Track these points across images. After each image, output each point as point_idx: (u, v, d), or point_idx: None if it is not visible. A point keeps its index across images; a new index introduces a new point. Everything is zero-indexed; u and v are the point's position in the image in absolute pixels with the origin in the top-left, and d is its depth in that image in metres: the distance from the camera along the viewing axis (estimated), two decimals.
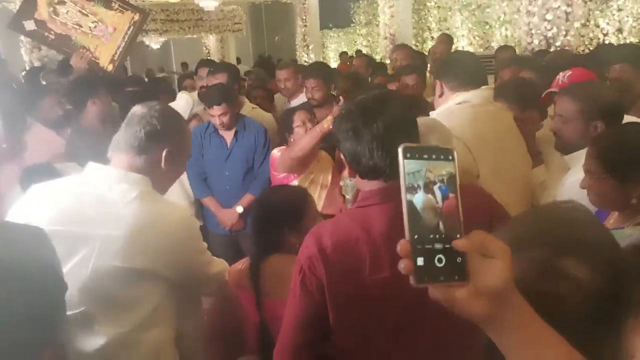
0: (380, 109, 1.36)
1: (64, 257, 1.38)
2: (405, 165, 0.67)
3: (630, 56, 3.23)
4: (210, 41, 14.41)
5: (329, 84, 3.76)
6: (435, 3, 11.25)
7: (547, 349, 0.66)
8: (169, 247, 1.58)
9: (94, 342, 1.54)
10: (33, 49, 4.40)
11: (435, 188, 0.67)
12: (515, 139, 2.26)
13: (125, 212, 1.52)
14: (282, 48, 16.87)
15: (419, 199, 0.66)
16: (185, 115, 3.49)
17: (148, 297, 1.61)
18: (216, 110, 3.23)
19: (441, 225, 0.66)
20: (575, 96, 2.03)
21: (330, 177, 2.94)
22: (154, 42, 14.37)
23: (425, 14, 11.56)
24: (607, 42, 7.61)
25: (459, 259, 0.65)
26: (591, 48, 7.63)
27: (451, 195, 0.67)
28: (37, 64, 4.37)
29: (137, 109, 1.68)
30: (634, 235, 1.50)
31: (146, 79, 8.15)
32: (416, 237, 0.65)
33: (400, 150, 0.67)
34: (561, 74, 2.61)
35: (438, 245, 0.65)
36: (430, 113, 2.28)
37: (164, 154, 1.62)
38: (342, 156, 1.44)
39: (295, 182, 2.86)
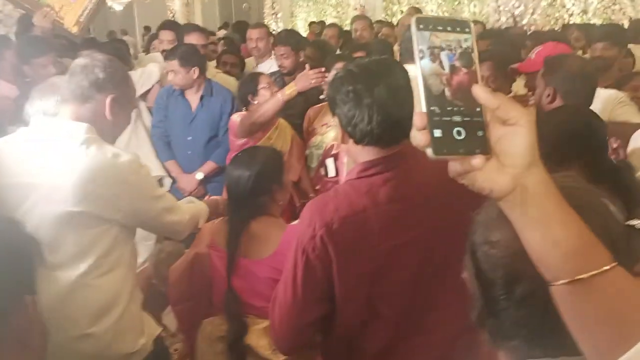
0: (383, 73, 1.31)
1: (14, 206, 1.50)
2: (419, 37, 0.63)
3: (611, 34, 3.30)
4: (176, 5, 13.96)
5: (298, 52, 3.71)
6: None
7: (564, 227, 0.62)
8: (118, 192, 1.60)
9: (48, 288, 1.55)
10: None
11: (452, 58, 0.63)
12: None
13: (73, 159, 1.56)
14: (250, 15, 16.49)
15: (434, 69, 0.63)
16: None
17: (99, 242, 1.64)
18: (169, 65, 3.17)
19: (460, 98, 0.62)
20: None
21: (288, 146, 2.93)
22: (117, 3, 13.82)
23: None
24: (572, 22, 7.73)
25: (479, 132, 0.62)
26: (556, 28, 7.74)
27: (470, 67, 0.64)
28: None
29: (80, 60, 1.69)
30: None
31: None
32: (432, 107, 0.62)
33: (413, 21, 0.63)
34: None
35: (457, 118, 0.62)
36: None
37: (108, 101, 1.65)
38: (336, 119, 1.38)
39: None
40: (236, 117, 2.89)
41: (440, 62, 0.63)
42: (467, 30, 0.65)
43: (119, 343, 1.75)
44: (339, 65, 3.44)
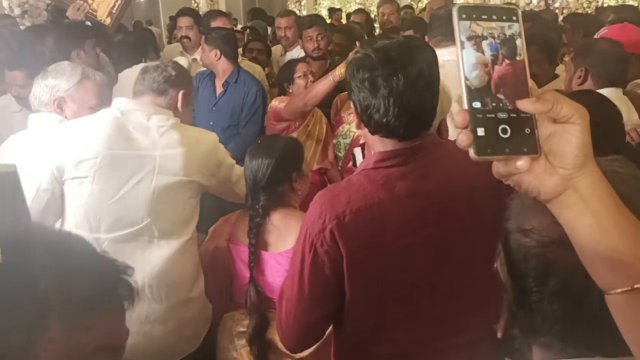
0: (404, 59, 1.19)
1: (124, 178, 1.72)
2: (460, 27, 0.58)
3: None
4: None
5: (328, 35, 3.66)
6: None
7: (619, 233, 0.57)
8: (214, 161, 1.90)
9: (157, 255, 1.77)
10: None
11: (495, 48, 0.58)
12: None
13: (170, 135, 1.79)
14: (273, 3, 16.42)
15: (476, 59, 0.58)
16: None
17: (195, 211, 1.90)
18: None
19: (506, 91, 0.58)
20: None
21: (324, 134, 2.90)
22: None
23: None
24: (605, 5, 7.47)
25: (527, 129, 0.57)
26: (589, 11, 7.48)
27: (517, 57, 0.59)
28: (17, 10, 4.16)
29: (149, 64, 2.08)
30: None
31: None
32: (475, 104, 0.57)
33: (454, 11, 0.59)
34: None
35: (502, 115, 0.57)
36: None
37: (180, 95, 1.91)
38: (352, 105, 1.30)
39: (294, 134, 2.82)
40: (277, 103, 2.86)
41: (483, 53, 0.58)
42: (513, 18, 0.60)
43: (206, 307, 1.97)
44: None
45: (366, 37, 4.96)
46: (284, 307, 1.32)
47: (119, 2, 3.77)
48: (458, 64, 0.58)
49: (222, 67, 3.20)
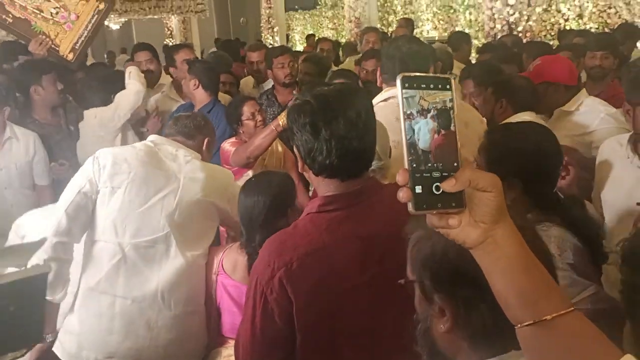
0: (342, 104, 1.24)
1: (152, 192, 1.96)
2: (403, 94, 0.66)
3: (609, 44, 3.31)
4: (173, 22, 14.05)
5: (296, 64, 3.70)
6: None
7: (527, 274, 0.68)
8: (230, 188, 2.09)
9: (172, 262, 1.96)
10: None
11: (430, 116, 0.66)
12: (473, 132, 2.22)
13: (194, 164, 2.06)
14: (247, 30, 16.58)
15: (415, 126, 0.66)
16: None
17: (211, 230, 2.10)
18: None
19: (439, 156, 0.66)
20: None
21: (281, 164, 2.90)
22: (113, 22, 13.89)
23: None
24: (567, 27, 7.71)
25: None
26: (552, 33, 7.72)
27: (451, 128, 0.67)
28: None
29: (180, 113, 2.56)
30: None
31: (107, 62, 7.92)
32: (414, 165, 0.66)
33: (398, 80, 0.66)
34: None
35: (435, 174, 0.66)
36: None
37: (205, 142, 2.21)
38: (295, 149, 1.33)
39: (249, 173, 2.80)
40: (228, 146, 2.83)
41: (422, 122, 0.66)
42: (448, 87, 0.67)
43: (205, 329, 2.06)
44: (339, 80, 3.46)
45: (333, 66, 5.06)
46: (240, 352, 1.34)
47: (82, 37, 3.78)
48: (401, 127, 0.66)
49: (199, 97, 3.21)
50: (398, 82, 0.66)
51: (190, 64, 3.31)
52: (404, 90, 0.66)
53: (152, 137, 2.15)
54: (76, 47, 3.80)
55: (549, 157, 1.51)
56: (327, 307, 1.26)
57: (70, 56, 3.77)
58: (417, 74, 0.67)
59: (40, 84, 3.08)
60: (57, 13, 3.74)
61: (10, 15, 3.67)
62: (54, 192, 3.05)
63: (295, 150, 1.33)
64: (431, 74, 0.69)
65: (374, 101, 2.09)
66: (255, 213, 1.87)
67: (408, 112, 0.66)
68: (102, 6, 3.85)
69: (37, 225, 2.08)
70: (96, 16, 3.84)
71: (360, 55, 4.38)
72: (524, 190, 1.44)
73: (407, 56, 2.10)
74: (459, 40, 5.15)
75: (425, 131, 0.66)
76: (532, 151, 1.48)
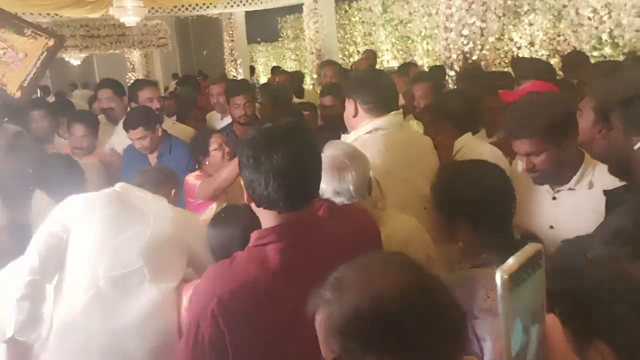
0: (284, 140, 1.32)
1: (125, 227, 2.02)
2: (510, 298, 0.56)
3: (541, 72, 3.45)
4: (135, 56, 13.99)
5: (254, 100, 3.74)
6: (360, 18, 11.49)
7: None
8: (199, 230, 2.10)
9: (145, 294, 1.99)
10: None
11: (527, 321, 0.59)
12: (428, 167, 2.20)
13: (163, 204, 2.15)
14: (210, 62, 16.66)
15: (517, 332, 0.58)
16: None
17: (183, 268, 2.14)
18: (133, 134, 3.11)
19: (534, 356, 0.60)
20: None
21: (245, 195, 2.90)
22: (74, 58, 13.76)
23: (351, 29, 11.78)
24: (520, 54, 8.03)
25: None
26: (506, 61, 8.03)
27: (541, 326, 0.60)
28: None
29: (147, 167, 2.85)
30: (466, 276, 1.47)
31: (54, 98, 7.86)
32: None
33: (501, 280, 0.56)
34: None
35: None
36: (343, 136, 2.22)
37: (172, 192, 2.37)
38: (241, 180, 1.40)
39: (213, 206, 2.81)
40: (192, 179, 2.84)
41: (519, 325, 0.59)
42: (540, 262, 0.59)
43: None
44: (305, 114, 3.50)
45: (294, 98, 5.13)
46: None
47: (31, 74, 3.77)
48: (503, 333, 0.58)
49: (156, 140, 3.20)
50: (502, 282, 0.56)
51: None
52: (510, 294, 0.56)
53: (119, 185, 2.21)
54: (24, 85, 3.80)
55: (500, 196, 1.51)
56: (259, 340, 1.29)
57: (18, 94, 3.78)
58: (519, 263, 0.57)
59: None
60: (4, 53, 3.77)
61: None
62: (10, 233, 2.99)
63: (242, 181, 1.40)
64: (525, 254, 0.59)
65: (357, 133, 2.13)
66: (233, 246, 1.85)
67: (513, 313, 0.56)
68: (51, 43, 3.87)
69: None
70: (45, 53, 3.86)
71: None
72: (475, 230, 1.46)
73: (385, 86, 2.21)
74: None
75: (533, 338, 0.59)
76: (483, 191, 1.47)
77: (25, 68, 3.76)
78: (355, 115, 2.17)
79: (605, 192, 1.66)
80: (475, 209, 1.45)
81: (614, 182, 1.65)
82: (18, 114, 3.49)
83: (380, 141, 2.08)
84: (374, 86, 2.19)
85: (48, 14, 9.63)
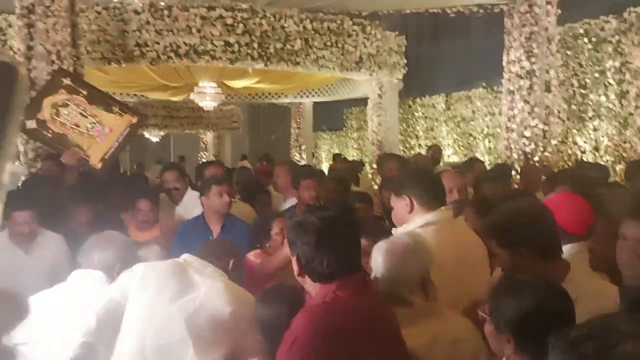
0: (340, 226, 1.63)
1: (175, 294, 2.10)
2: None
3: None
4: (208, 137, 14.91)
5: (319, 185, 3.89)
6: (423, 114, 11.83)
7: None
8: (252, 308, 2.12)
9: None
10: (29, 140, 4.59)
11: None
12: (478, 262, 2.25)
13: (218, 277, 2.21)
14: (277, 146, 17.42)
15: None
16: None
17: (229, 340, 2.14)
18: None
19: None
20: None
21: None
22: (153, 135, 14.83)
23: (413, 123, 12.12)
24: (584, 159, 7.93)
25: None
26: (570, 164, 7.94)
27: None
28: (30, 154, 4.55)
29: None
30: None
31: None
32: None
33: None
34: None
35: None
36: (394, 230, 2.27)
37: (231, 262, 2.40)
38: (295, 258, 1.63)
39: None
40: (252, 258, 2.96)
41: None
42: None
43: None
44: (360, 205, 3.61)
45: (352, 186, 5.29)
46: None
47: (113, 148, 4.15)
48: None
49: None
50: None
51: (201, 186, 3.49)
52: None
53: (184, 255, 2.33)
54: (106, 157, 4.16)
55: (557, 324, 1.34)
56: None
57: (99, 165, 4.13)
58: None
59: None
60: (92, 127, 4.15)
61: (50, 130, 4.11)
62: None
63: (295, 258, 1.63)
64: None
65: (409, 227, 2.18)
66: (279, 322, 1.88)
67: None
68: (134, 120, 4.26)
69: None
70: (128, 129, 4.23)
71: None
72: (519, 353, 1.40)
73: (437, 182, 2.36)
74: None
75: None
76: (539, 315, 1.39)
77: (108, 142, 4.14)
78: (411, 211, 2.22)
79: None
80: (525, 335, 1.38)
81: None
82: (97, 187, 3.81)
83: (433, 236, 2.12)
84: (428, 182, 2.29)
85: (135, 95, 10.57)
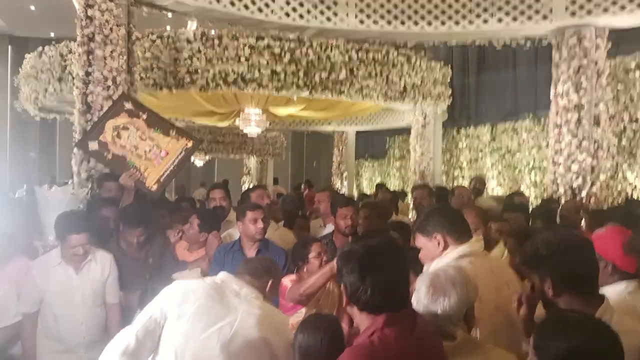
0: (385, 254, 1.66)
1: (211, 322, 2.11)
2: None
3: None
4: (251, 162, 15.18)
5: (358, 213, 3.93)
6: (467, 144, 11.71)
7: None
8: (287, 336, 2.17)
9: None
10: (83, 160, 4.80)
11: None
12: (514, 291, 2.19)
13: (254, 302, 2.22)
14: (319, 173, 17.55)
15: None
16: None
17: None
18: None
19: None
20: None
21: (335, 307, 2.98)
22: (199, 159, 15.21)
23: (457, 153, 12.00)
24: (635, 196, 7.64)
25: None
26: (620, 200, 7.66)
27: None
28: (83, 175, 4.75)
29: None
30: None
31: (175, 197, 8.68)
32: None
33: None
34: None
35: None
36: (426, 267, 2.24)
37: (269, 283, 2.37)
38: (342, 286, 1.67)
39: (302, 311, 2.92)
40: (287, 282, 3.00)
41: None
42: None
43: None
44: (396, 233, 3.62)
45: (393, 214, 5.29)
46: None
47: (168, 171, 4.29)
48: None
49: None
50: None
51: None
52: None
53: (221, 275, 2.33)
54: (161, 180, 4.30)
55: (599, 356, 1.37)
56: None
57: (155, 187, 4.27)
58: None
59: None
60: (150, 150, 4.30)
61: (110, 152, 4.28)
62: (121, 310, 3.30)
63: (342, 287, 1.67)
64: None
65: (442, 261, 2.17)
66: (320, 353, 1.93)
67: None
68: (190, 144, 4.40)
69: None
70: (183, 153, 4.37)
71: None
72: None
73: (461, 215, 2.40)
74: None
75: None
76: (579, 349, 1.37)
77: (164, 165, 4.29)
78: (445, 249, 2.22)
79: None
80: None
81: None
82: (149, 209, 3.93)
83: (470, 267, 2.11)
84: (455, 217, 2.35)
85: (183, 120, 10.92)
